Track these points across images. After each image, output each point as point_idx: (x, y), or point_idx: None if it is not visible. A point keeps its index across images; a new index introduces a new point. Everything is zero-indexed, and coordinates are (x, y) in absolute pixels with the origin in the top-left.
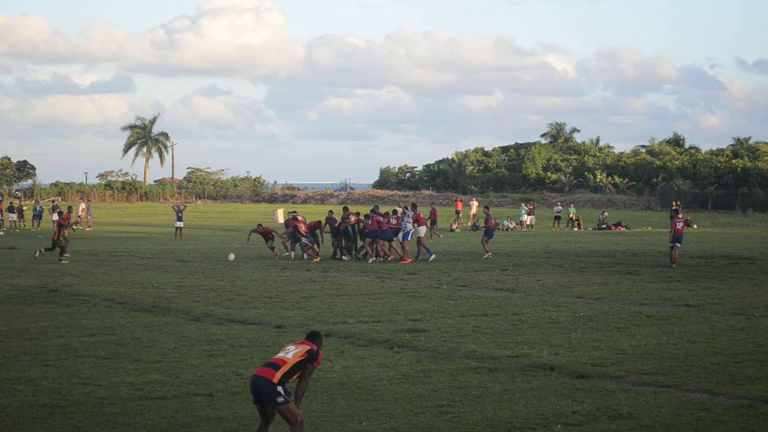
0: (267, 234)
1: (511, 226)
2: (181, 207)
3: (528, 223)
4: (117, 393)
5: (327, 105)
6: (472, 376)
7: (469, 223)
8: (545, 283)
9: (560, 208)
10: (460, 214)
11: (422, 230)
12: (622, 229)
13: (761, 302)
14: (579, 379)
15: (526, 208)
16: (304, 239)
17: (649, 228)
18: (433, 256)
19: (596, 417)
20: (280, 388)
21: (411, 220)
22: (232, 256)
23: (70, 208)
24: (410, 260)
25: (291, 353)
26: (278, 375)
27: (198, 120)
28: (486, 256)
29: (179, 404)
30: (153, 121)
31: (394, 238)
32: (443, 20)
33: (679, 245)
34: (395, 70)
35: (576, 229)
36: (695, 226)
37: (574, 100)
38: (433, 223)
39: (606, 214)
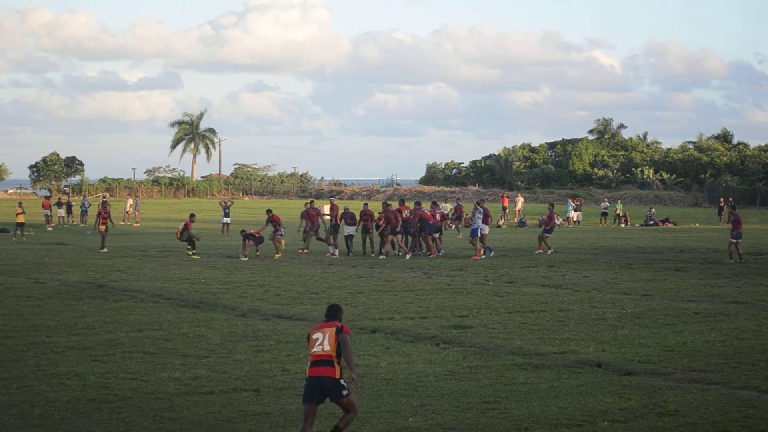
0: (251, 236)
1: (558, 223)
2: (228, 203)
3: (575, 219)
4: (164, 388)
5: (373, 101)
6: (519, 372)
7: (516, 219)
8: (592, 279)
9: (607, 204)
10: (507, 211)
11: (486, 228)
12: (669, 225)
13: None
14: (626, 376)
15: (573, 204)
16: (279, 231)
17: (697, 224)
18: (493, 253)
19: (643, 414)
20: (342, 381)
21: (481, 217)
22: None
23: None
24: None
25: (326, 343)
26: (337, 370)
27: (245, 116)
28: (537, 252)
29: (226, 399)
30: (200, 117)
31: (435, 234)
32: (489, 15)
33: (740, 241)
34: (441, 66)
35: (623, 226)
36: None
37: (621, 96)
38: (458, 218)
39: (653, 210)
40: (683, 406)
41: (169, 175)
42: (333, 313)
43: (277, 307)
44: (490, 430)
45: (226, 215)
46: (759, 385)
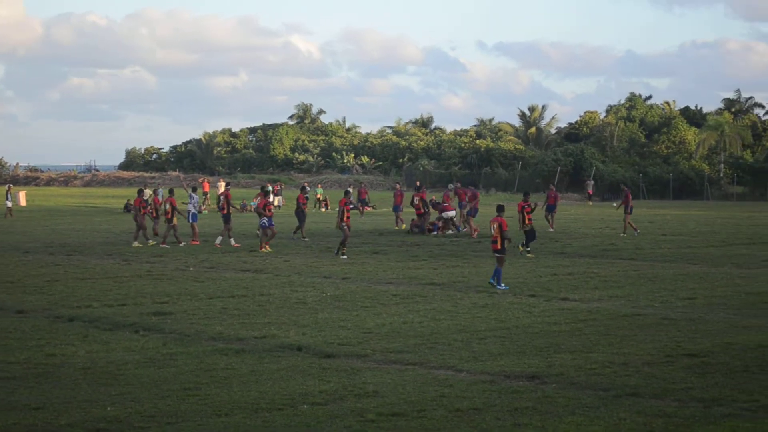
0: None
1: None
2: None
3: (276, 204)
4: None
5: (69, 85)
6: (219, 358)
7: (216, 205)
8: (293, 263)
9: (308, 188)
10: (208, 195)
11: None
12: (369, 209)
13: (503, 279)
14: (326, 358)
15: (273, 189)
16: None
17: None
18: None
19: (342, 396)
20: None
21: (191, 202)
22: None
23: None
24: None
25: None
26: None
27: None
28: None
29: None
30: None
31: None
32: None
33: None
34: (138, 49)
35: (324, 210)
36: None
37: (320, 81)
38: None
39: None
40: (381, 386)
41: None
42: None
43: None
44: (191, 417)
45: (8, 199)
46: (455, 365)
